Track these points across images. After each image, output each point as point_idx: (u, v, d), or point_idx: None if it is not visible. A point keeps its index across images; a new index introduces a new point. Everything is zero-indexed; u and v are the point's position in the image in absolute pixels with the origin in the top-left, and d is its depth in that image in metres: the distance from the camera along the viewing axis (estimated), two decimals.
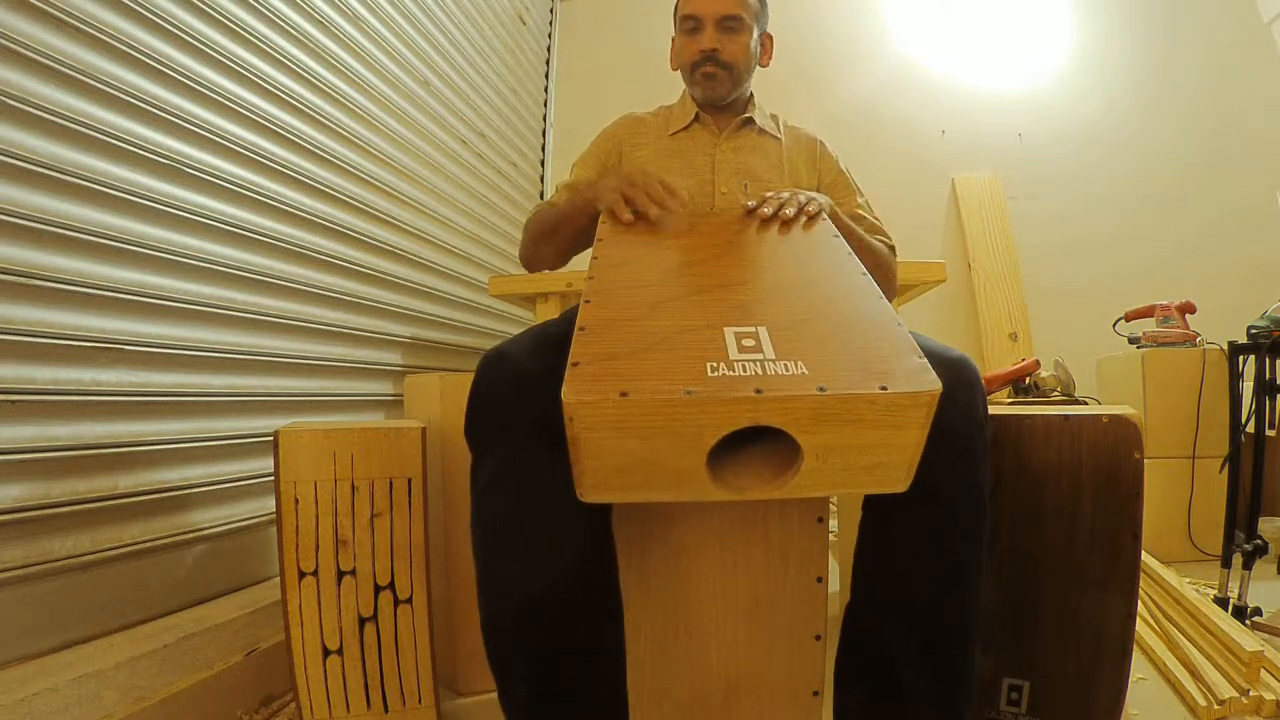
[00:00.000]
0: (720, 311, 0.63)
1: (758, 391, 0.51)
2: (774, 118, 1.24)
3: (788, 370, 0.53)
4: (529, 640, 0.71)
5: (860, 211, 1.18)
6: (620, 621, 0.76)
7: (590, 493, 0.55)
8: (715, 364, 0.54)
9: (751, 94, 1.23)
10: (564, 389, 0.51)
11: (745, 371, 0.53)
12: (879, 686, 0.75)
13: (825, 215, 0.87)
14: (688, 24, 1.15)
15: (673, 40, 1.24)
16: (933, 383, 0.52)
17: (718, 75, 1.15)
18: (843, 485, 0.56)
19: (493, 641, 0.73)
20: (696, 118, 1.20)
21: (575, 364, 0.54)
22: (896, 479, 0.56)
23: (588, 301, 0.64)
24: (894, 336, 0.58)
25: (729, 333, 0.58)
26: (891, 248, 1.17)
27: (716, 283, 0.69)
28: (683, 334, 0.59)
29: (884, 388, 0.52)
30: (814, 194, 0.93)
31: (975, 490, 0.74)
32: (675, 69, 1.24)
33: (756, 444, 0.54)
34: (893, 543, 0.75)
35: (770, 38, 1.22)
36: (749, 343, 0.57)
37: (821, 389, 0.51)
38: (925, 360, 0.54)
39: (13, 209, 0.90)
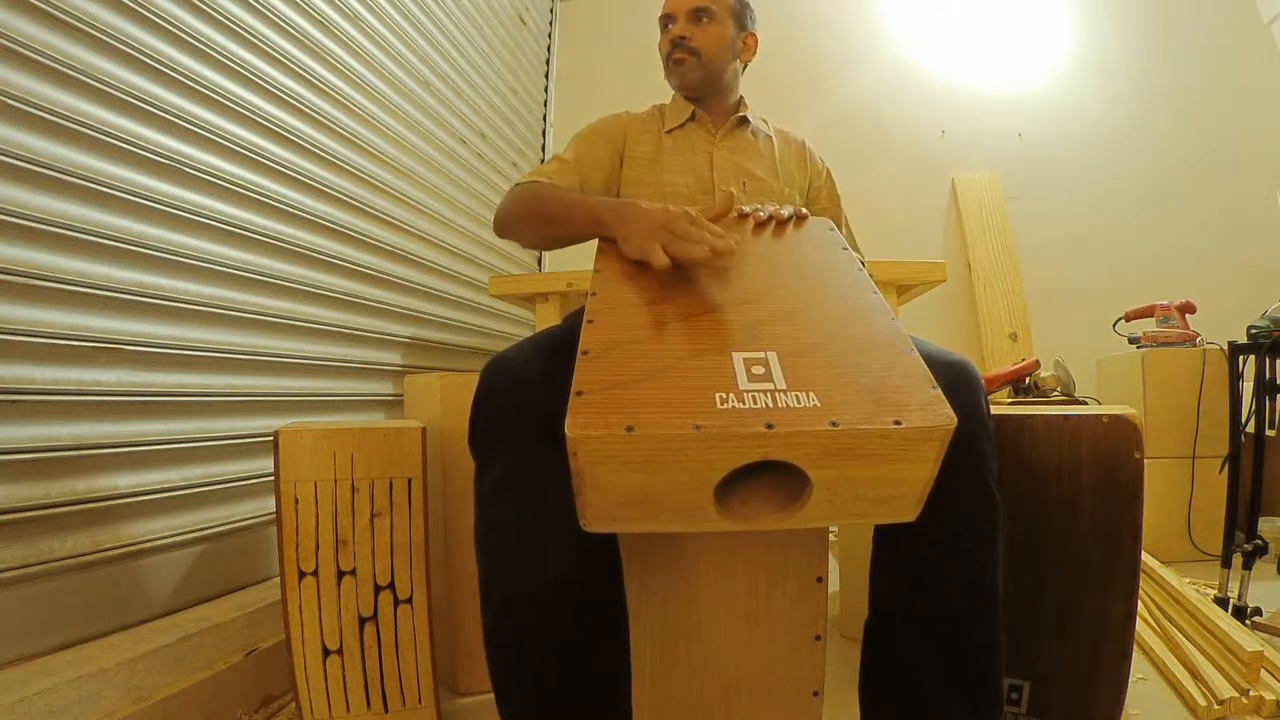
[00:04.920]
0: (728, 333, 0.61)
1: (768, 426, 0.50)
2: (764, 120, 1.25)
3: (799, 402, 0.52)
4: (534, 648, 0.70)
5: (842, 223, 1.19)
6: (625, 626, 0.75)
7: (594, 523, 0.54)
8: (724, 395, 0.52)
9: (741, 96, 1.24)
10: (567, 421, 0.50)
11: (755, 404, 0.52)
12: (906, 702, 0.74)
13: (826, 223, 0.87)
14: (663, 22, 1.20)
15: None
16: (947, 416, 0.51)
17: (686, 61, 1.16)
18: (852, 516, 0.55)
19: (495, 649, 0.72)
20: (692, 116, 1.20)
21: (579, 393, 0.52)
22: (906, 509, 0.55)
23: (590, 321, 0.62)
24: (907, 365, 0.57)
25: (738, 359, 0.57)
26: (862, 261, 1.17)
27: (724, 300, 0.67)
28: (690, 359, 0.57)
29: (898, 422, 0.50)
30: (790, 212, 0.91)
31: (986, 491, 0.74)
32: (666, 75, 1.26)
33: (764, 472, 0.53)
34: (908, 552, 0.74)
35: (754, 37, 1.24)
36: (759, 370, 0.56)
37: (834, 424, 0.50)
38: (939, 391, 0.54)
39: (13, 209, 0.90)
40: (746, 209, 0.88)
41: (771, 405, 0.52)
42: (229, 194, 1.27)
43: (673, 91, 1.25)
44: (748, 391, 0.53)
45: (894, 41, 3.09)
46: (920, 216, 2.96)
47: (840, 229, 1.13)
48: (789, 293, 0.70)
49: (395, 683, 1.04)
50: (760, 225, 0.85)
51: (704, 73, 1.17)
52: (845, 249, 0.79)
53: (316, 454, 1.01)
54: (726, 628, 0.85)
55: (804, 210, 0.89)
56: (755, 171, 1.17)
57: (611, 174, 1.17)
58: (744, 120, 1.21)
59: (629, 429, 0.49)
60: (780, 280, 0.73)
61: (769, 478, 0.53)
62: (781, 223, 0.85)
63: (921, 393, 0.54)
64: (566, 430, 0.49)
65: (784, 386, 0.54)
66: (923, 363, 0.57)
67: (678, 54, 1.17)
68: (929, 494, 0.55)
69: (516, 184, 1.10)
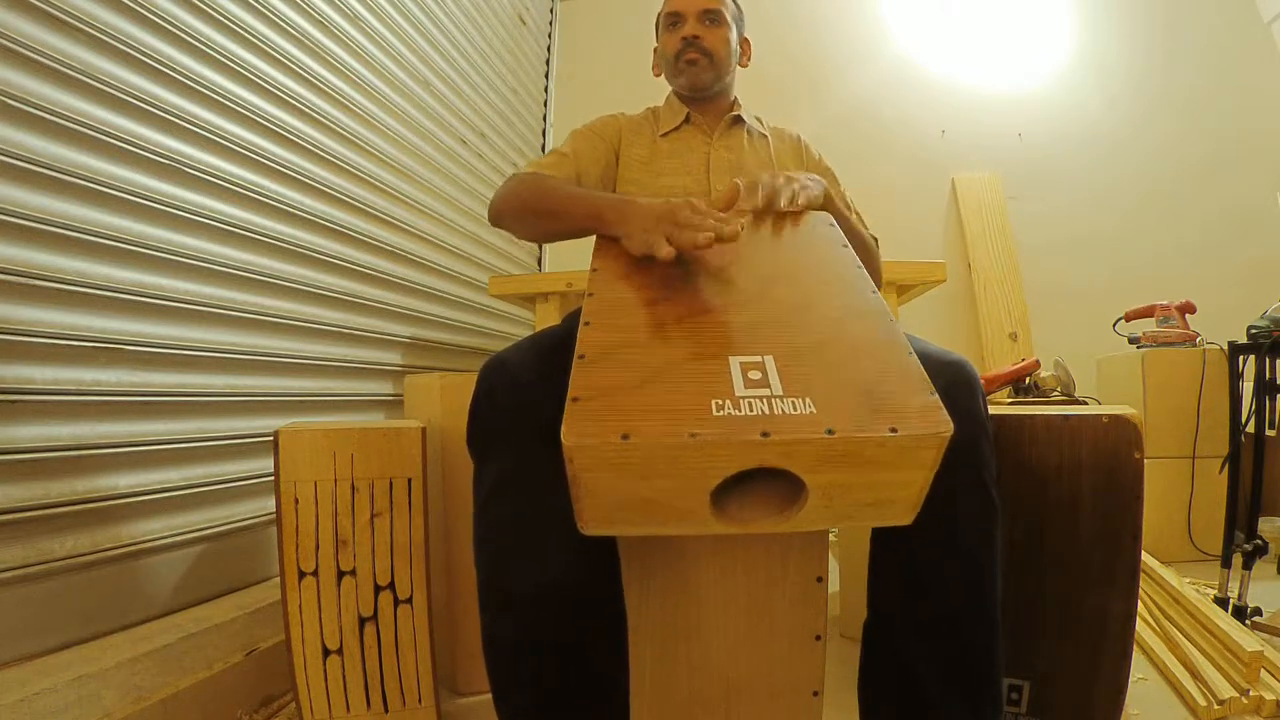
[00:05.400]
0: (726, 336, 0.61)
1: (764, 434, 0.50)
2: (758, 119, 1.25)
3: (795, 409, 0.52)
4: (532, 648, 0.70)
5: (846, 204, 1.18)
6: (624, 626, 0.75)
7: (590, 527, 0.54)
8: (720, 401, 0.52)
9: (735, 97, 1.24)
10: (563, 428, 0.50)
11: (751, 410, 0.52)
12: (906, 703, 0.74)
13: (825, 218, 0.86)
14: (670, 20, 1.19)
15: (654, 50, 1.26)
16: (944, 423, 0.51)
17: (700, 61, 1.16)
18: (848, 520, 0.55)
19: (493, 649, 0.72)
20: (687, 118, 1.20)
21: (575, 399, 0.52)
22: (903, 513, 0.55)
23: (587, 323, 0.62)
24: (905, 367, 0.57)
25: (735, 363, 0.57)
26: (875, 239, 1.17)
27: (722, 300, 0.67)
28: (686, 363, 0.57)
29: (894, 429, 0.50)
30: (807, 178, 0.92)
31: (985, 492, 0.74)
32: (658, 74, 1.26)
33: (761, 476, 0.53)
34: (907, 554, 0.74)
35: (748, 41, 1.25)
36: (755, 375, 0.55)
37: (830, 431, 0.50)
38: (936, 397, 0.53)
39: (13, 209, 0.90)
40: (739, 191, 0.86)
41: (768, 412, 0.52)
42: (229, 194, 1.27)
43: (668, 92, 1.25)
44: (744, 398, 0.53)
45: (894, 41, 3.09)
46: (920, 216, 2.96)
47: (850, 215, 1.13)
48: (787, 293, 0.70)
49: (395, 683, 1.04)
50: (759, 216, 0.84)
51: (715, 74, 1.18)
52: (845, 246, 0.79)
53: (316, 454, 1.01)
54: (726, 628, 0.85)
55: (809, 198, 0.89)
56: (752, 170, 1.17)
57: (607, 171, 1.17)
58: (738, 119, 1.21)
59: (624, 437, 0.49)
60: (779, 279, 0.73)
61: (766, 482, 0.53)
62: (792, 217, 0.85)
63: (919, 398, 0.53)
64: (562, 437, 0.49)
65: (780, 392, 0.54)
66: (920, 366, 0.57)
67: (691, 54, 1.16)
68: (926, 496, 0.55)
69: (514, 174, 1.08)
